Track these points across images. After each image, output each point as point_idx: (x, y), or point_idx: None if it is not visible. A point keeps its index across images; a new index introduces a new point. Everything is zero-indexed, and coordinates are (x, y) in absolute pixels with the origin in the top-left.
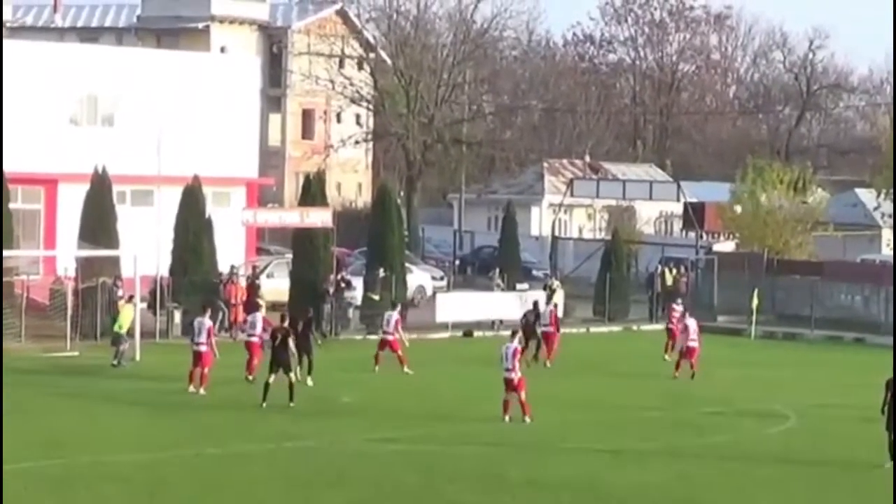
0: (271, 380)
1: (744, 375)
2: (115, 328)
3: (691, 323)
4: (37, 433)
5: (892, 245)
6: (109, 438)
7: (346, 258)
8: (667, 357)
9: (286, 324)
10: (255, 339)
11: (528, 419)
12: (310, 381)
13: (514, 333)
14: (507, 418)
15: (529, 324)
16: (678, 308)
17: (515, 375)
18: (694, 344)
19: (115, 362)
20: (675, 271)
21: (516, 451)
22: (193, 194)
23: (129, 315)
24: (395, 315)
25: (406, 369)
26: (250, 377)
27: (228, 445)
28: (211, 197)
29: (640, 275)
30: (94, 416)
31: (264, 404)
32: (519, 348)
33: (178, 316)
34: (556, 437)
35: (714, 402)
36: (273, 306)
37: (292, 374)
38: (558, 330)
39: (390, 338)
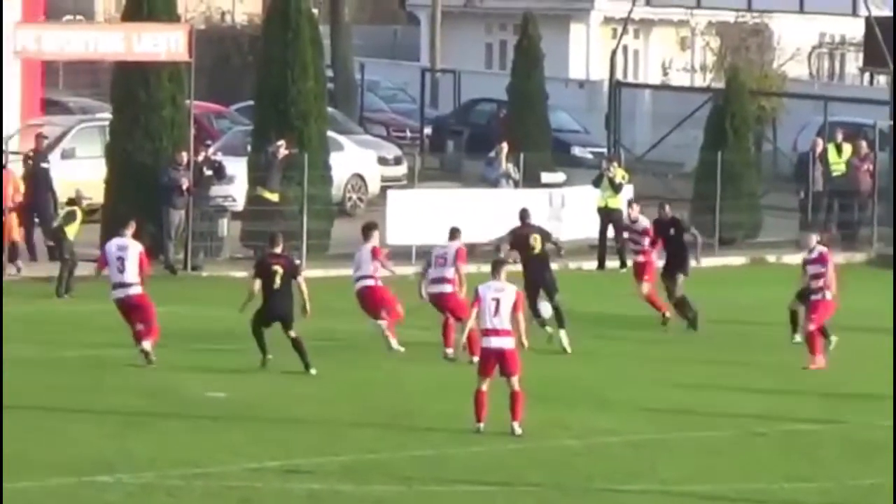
0: (261, 329)
1: None
2: None
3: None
4: None
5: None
6: None
7: (213, 122)
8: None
9: (277, 247)
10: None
11: (517, 427)
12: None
13: (495, 266)
14: (480, 426)
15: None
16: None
17: (507, 342)
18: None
19: None
20: (847, 149)
21: None
22: None
23: None
24: (367, 244)
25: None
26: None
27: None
28: None
29: (783, 157)
30: None
31: (269, 357)
32: (519, 294)
33: None
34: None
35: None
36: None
37: (292, 332)
38: (623, 262)
39: (370, 283)
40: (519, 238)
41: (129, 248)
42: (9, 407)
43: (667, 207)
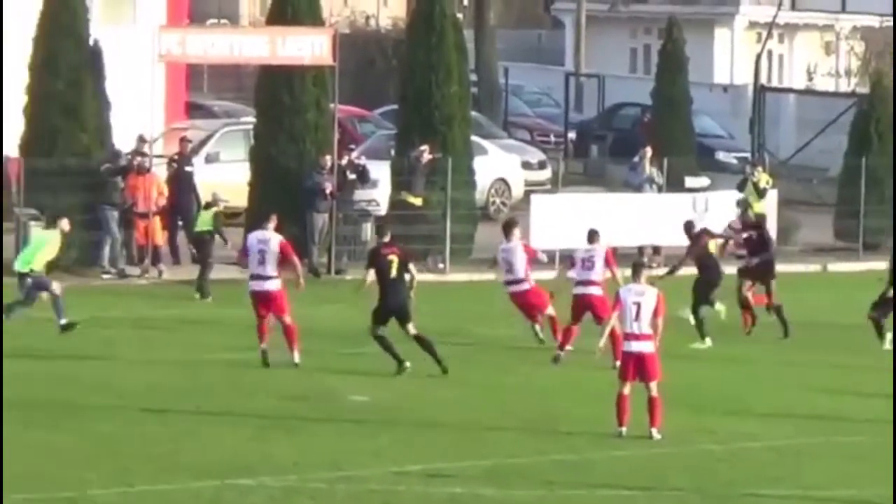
0: (381, 331)
1: None
2: (26, 262)
3: None
4: None
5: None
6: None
7: (357, 125)
8: None
9: (387, 237)
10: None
11: (656, 432)
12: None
13: (636, 269)
14: (622, 431)
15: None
16: None
17: (646, 346)
18: None
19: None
20: None
21: None
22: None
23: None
24: (513, 242)
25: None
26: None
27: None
28: (98, 4)
29: None
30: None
31: (407, 366)
32: (661, 297)
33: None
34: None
35: None
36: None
37: (411, 325)
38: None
39: (525, 287)
40: (700, 250)
41: (271, 240)
42: (154, 410)
43: (749, 211)
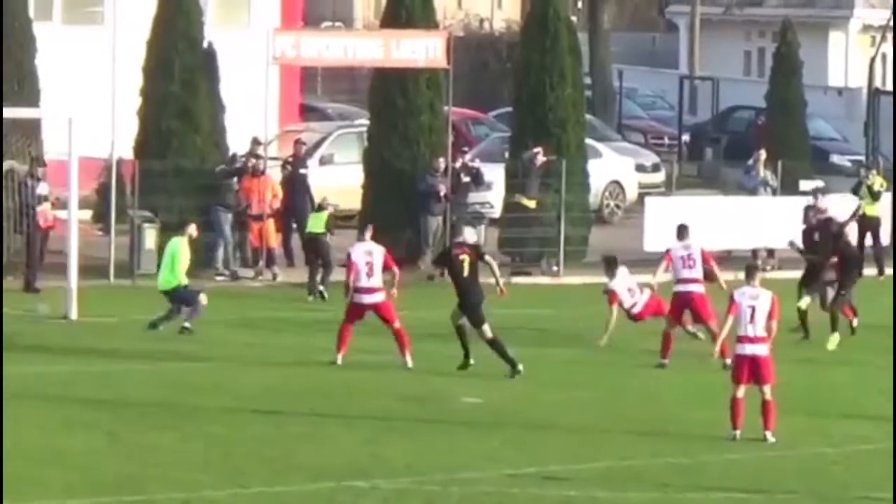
0: (489, 332)
1: None
2: (168, 282)
3: None
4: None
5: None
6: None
7: (471, 128)
8: None
9: (459, 238)
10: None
11: (770, 435)
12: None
13: (749, 271)
14: (736, 434)
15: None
16: None
17: (760, 349)
18: None
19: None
20: None
21: None
22: (175, 2)
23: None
24: (620, 275)
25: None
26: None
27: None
28: (213, 7)
29: None
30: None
31: (472, 362)
32: (775, 300)
33: (151, 236)
34: None
35: None
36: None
37: (486, 327)
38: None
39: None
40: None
41: (375, 251)
42: (268, 412)
43: (810, 213)
